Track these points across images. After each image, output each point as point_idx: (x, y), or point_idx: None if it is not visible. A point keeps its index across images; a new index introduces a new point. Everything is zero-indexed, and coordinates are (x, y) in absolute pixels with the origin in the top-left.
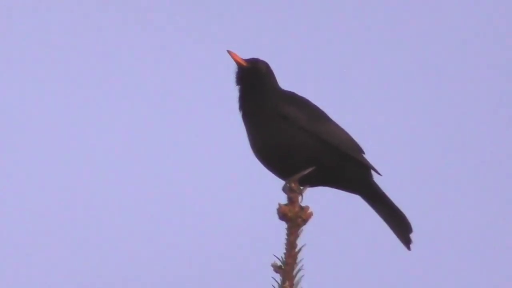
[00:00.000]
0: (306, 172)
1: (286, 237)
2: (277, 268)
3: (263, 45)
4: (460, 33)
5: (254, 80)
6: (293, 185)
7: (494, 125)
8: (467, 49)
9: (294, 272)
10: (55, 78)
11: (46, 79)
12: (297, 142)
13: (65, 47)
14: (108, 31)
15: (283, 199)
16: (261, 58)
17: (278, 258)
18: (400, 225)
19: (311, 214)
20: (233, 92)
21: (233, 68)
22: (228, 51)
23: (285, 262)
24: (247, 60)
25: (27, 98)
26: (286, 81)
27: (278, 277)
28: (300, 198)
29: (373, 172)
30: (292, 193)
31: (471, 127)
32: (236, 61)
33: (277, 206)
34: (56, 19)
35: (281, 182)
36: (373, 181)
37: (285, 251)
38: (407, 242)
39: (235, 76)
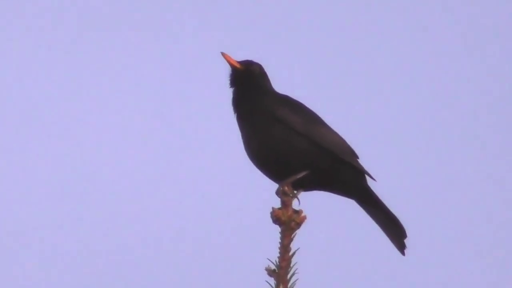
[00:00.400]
0: (299, 176)
1: (280, 240)
2: (271, 272)
3: (257, 46)
4: (453, 35)
5: (248, 82)
6: (286, 188)
7: (489, 130)
8: (462, 52)
9: (288, 275)
10: (55, 78)
11: (45, 79)
12: (291, 145)
13: (65, 47)
14: (107, 31)
15: (277, 203)
16: (255, 60)
17: (272, 262)
18: (394, 230)
19: (304, 218)
20: (228, 93)
21: (227, 70)
22: (222, 53)
23: (279, 266)
24: (241, 62)
25: (27, 98)
26: (279, 84)
27: (272, 281)
28: (297, 201)
29: (367, 177)
30: (285, 196)
31: (465, 133)
32: (230, 63)
33: (270, 210)
34: (56, 18)
35: (275, 186)
36: (367, 185)
37: (279, 254)
38: (401, 247)
39: (229, 78)
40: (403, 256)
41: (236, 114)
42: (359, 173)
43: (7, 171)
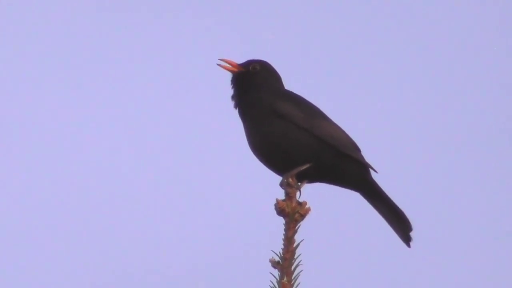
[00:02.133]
0: (303, 168)
1: (284, 232)
2: (275, 264)
3: (258, 45)
4: (454, 32)
5: (249, 80)
6: (290, 180)
7: (490, 121)
8: (462, 47)
9: (292, 267)
10: (54, 78)
11: (44, 79)
12: (293, 140)
13: (64, 47)
14: (106, 31)
15: (280, 194)
16: (261, 58)
17: (276, 253)
18: (399, 223)
19: (308, 210)
20: (229, 90)
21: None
22: (221, 60)
23: (283, 258)
24: (241, 64)
25: (27, 98)
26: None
27: (276, 272)
28: (298, 193)
29: (372, 171)
30: (289, 188)
31: (468, 123)
32: (231, 65)
33: (274, 202)
34: (55, 17)
35: (279, 178)
36: (371, 178)
37: (283, 246)
38: (407, 239)
39: (230, 81)
40: (409, 248)
41: (238, 110)
42: (362, 166)
43: (6, 172)
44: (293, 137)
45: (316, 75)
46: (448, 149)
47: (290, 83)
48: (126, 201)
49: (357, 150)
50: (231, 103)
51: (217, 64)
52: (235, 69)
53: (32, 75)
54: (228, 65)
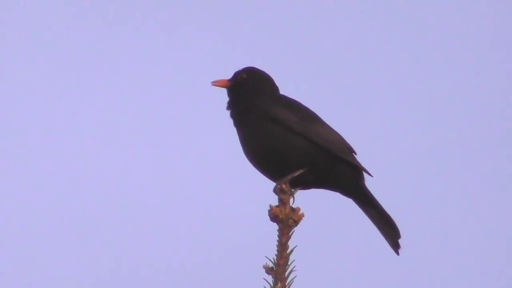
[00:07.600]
0: (297, 173)
1: (278, 238)
2: (269, 270)
3: (253, 46)
4: (449, 33)
5: (241, 89)
6: (284, 186)
7: (485, 127)
8: (458, 49)
9: (286, 273)
10: (54, 78)
11: (44, 79)
12: (287, 144)
13: (63, 46)
14: (106, 30)
15: (274, 200)
16: (252, 65)
17: (269, 259)
18: (388, 230)
19: (302, 216)
20: (226, 95)
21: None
22: (212, 84)
23: (277, 264)
24: (230, 80)
25: (24, 98)
26: (277, 81)
27: (270, 278)
28: (291, 199)
29: (365, 175)
30: (283, 194)
31: (462, 129)
32: (222, 87)
33: (268, 208)
34: (55, 17)
35: (272, 184)
36: (364, 184)
37: (276, 252)
38: (395, 247)
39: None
40: (397, 256)
41: (232, 115)
42: (356, 170)
43: (7, 172)
44: (288, 142)
45: (311, 78)
46: (438, 156)
47: (285, 86)
48: (121, 203)
49: (352, 153)
50: (228, 112)
51: (212, 84)
52: (227, 85)
53: (31, 76)
54: (223, 81)
